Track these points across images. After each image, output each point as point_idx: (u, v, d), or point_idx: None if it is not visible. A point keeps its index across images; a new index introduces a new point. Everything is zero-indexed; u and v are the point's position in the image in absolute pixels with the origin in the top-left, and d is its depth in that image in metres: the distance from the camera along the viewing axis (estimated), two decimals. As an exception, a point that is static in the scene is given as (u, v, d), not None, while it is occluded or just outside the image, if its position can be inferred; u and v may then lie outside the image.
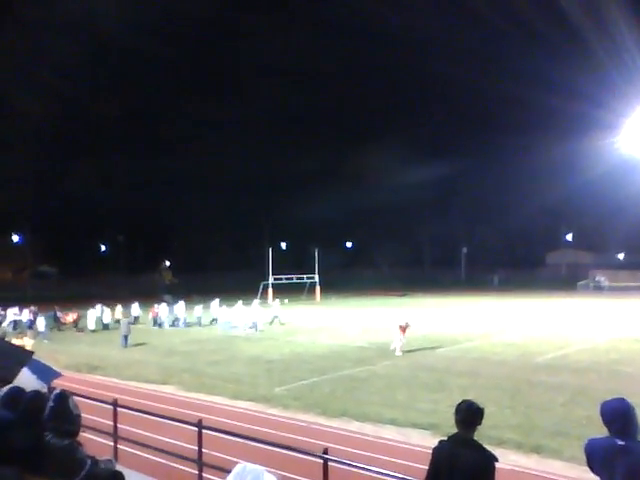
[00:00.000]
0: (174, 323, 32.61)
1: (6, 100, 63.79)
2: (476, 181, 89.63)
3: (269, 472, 1.99)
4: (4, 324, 32.28)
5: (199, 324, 32.54)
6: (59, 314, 32.68)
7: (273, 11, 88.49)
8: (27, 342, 18.55)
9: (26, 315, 32.58)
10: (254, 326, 29.31)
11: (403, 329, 21.01)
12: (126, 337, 24.48)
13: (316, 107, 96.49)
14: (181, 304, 33.19)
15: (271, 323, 31.60)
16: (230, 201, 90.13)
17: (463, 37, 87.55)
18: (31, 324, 30.83)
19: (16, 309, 33.46)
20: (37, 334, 26.65)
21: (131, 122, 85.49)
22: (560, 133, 74.81)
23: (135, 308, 35.03)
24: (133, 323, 32.85)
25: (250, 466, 1.94)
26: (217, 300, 33.15)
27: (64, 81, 74.82)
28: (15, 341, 17.73)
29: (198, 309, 33.19)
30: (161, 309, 33.24)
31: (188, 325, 32.37)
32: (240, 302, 31.63)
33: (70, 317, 32.83)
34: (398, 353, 20.64)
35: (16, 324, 32.34)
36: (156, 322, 32.70)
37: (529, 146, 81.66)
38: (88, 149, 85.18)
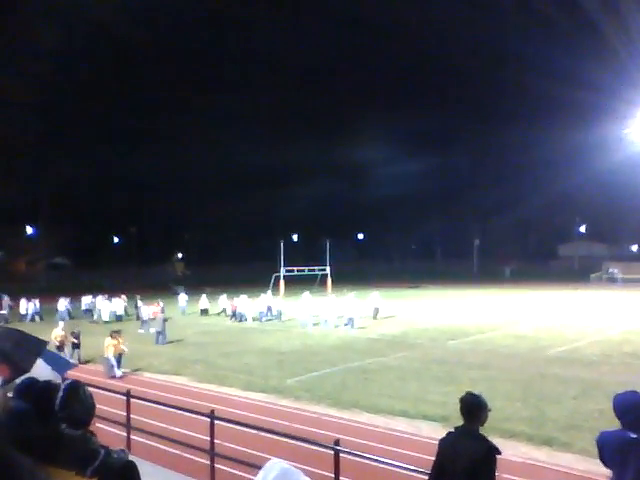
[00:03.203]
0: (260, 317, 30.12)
1: (13, 93, 64.11)
2: (488, 173, 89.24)
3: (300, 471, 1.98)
4: (98, 310, 32.83)
5: (278, 318, 30.24)
6: (139, 304, 31.90)
7: (268, 4, 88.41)
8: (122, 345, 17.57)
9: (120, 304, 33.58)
10: (350, 322, 25.66)
11: None
12: (160, 333, 23.05)
13: (327, 100, 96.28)
14: (268, 295, 31.10)
15: (375, 316, 29.32)
16: (241, 194, 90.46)
17: (474, 27, 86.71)
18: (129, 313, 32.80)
19: (105, 297, 33.96)
20: (142, 324, 26.88)
21: (141, 116, 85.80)
22: (573, 124, 74.19)
23: (182, 298, 34.87)
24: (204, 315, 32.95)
25: (276, 465, 1.94)
26: (308, 292, 30.55)
27: (73, 72, 75.27)
28: (108, 340, 17.16)
29: (278, 302, 31.08)
30: (240, 302, 30.64)
31: (269, 319, 30.06)
32: (333, 295, 28.96)
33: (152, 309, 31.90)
34: None
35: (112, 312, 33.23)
36: (235, 316, 30.46)
37: (542, 137, 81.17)
38: (101, 142, 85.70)
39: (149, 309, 28.38)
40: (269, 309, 30.57)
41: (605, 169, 64.48)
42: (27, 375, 4.77)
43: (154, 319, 25.40)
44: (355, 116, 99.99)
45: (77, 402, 3.27)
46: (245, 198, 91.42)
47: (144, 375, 17.26)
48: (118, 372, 16.89)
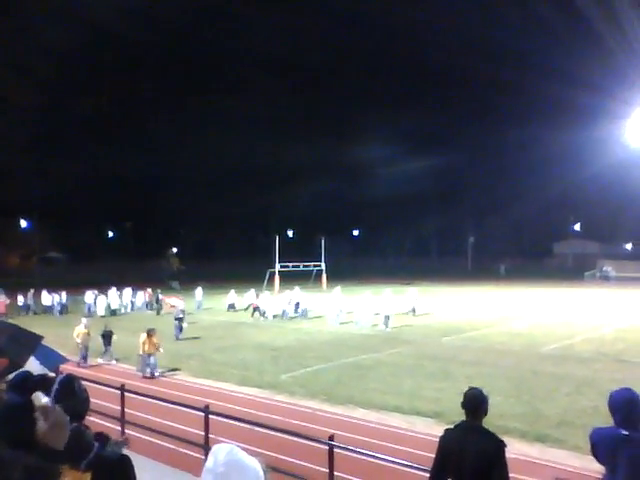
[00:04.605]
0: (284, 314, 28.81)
1: (11, 90, 63.93)
2: (484, 171, 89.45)
3: (241, 449, 2.01)
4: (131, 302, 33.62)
5: (304, 315, 28.96)
6: (161, 297, 32.49)
7: (268, 4, 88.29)
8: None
9: (141, 297, 34.14)
10: (386, 321, 24.36)
11: None
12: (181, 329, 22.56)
13: (324, 98, 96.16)
14: (295, 291, 29.74)
15: (413, 313, 28.76)
16: (238, 190, 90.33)
17: (473, 27, 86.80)
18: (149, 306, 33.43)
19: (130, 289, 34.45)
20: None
21: (139, 113, 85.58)
22: (569, 123, 74.37)
23: (199, 292, 34.29)
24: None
25: (223, 446, 1.97)
26: (338, 288, 29.12)
27: (72, 70, 75.08)
28: (143, 337, 16.15)
29: (305, 298, 29.72)
30: (262, 299, 29.65)
31: (292, 318, 28.57)
32: (368, 292, 27.23)
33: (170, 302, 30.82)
34: None
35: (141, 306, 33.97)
36: (258, 312, 29.06)
37: (538, 136, 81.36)
38: (97, 137, 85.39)
39: (180, 303, 27.87)
40: (297, 305, 29.56)
41: (600, 168, 64.80)
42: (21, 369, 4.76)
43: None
44: (352, 114, 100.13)
45: (71, 396, 3.27)
46: (241, 194, 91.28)
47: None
48: (155, 372, 16.17)
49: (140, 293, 34.46)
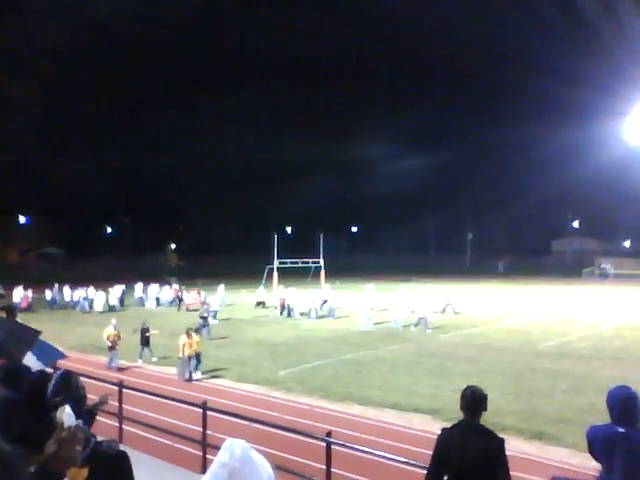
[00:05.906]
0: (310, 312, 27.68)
1: (9, 86, 63.75)
2: (483, 168, 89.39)
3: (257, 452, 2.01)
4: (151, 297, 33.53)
5: (332, 314, 27.70)
6: (185, 295, 32.42)
7: (270, 3, 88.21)
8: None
9: (166, 294, 34.00)
10: (423, 322, 23.08)
11: None
12: (204, 326, 21.72)
13: (324, 96, 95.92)
14: (324, 289, 28.54)
15: (453, 310, 28.54)
16: (237, 186, 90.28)
17: (472, 26, 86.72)
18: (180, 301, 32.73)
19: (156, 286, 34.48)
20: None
21: (138, 109, 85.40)
22: (568, 120, 74.38)
23: (221, 289, 32.89)
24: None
25: (237, 441, 1.96)
26: (372, 285, 28.44)
27: (71, 67, 75.02)
28: (183, 339, 15.44)
29: (333, 296, 28.66)
30: (288, 295, 28.91)
31: (320, 317, 27.45)
32: (403, 288, 25.92)
33: (192, 297, 30.74)
34: None
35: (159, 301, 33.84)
36: (284, 310, 28.57)
37: (536, 133, 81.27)
38: (96, 134, 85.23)
39: (215, 299, 27.10)
40: (324, 303, 28.59)
41: (599, 165, 64.71)
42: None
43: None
44: (351, 112, 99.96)
45: (68, 392, 3.28)
46: (240, 191, 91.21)
47: (139, 366, 17.24)
48: (194, 375, 15.43)
49: (166, 289, 34.47)
